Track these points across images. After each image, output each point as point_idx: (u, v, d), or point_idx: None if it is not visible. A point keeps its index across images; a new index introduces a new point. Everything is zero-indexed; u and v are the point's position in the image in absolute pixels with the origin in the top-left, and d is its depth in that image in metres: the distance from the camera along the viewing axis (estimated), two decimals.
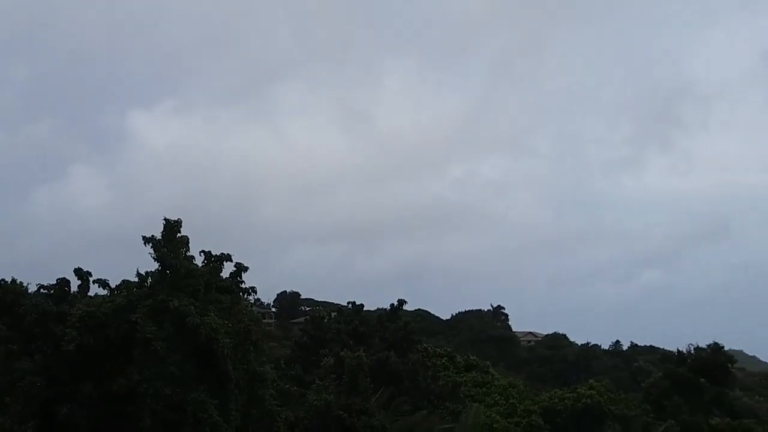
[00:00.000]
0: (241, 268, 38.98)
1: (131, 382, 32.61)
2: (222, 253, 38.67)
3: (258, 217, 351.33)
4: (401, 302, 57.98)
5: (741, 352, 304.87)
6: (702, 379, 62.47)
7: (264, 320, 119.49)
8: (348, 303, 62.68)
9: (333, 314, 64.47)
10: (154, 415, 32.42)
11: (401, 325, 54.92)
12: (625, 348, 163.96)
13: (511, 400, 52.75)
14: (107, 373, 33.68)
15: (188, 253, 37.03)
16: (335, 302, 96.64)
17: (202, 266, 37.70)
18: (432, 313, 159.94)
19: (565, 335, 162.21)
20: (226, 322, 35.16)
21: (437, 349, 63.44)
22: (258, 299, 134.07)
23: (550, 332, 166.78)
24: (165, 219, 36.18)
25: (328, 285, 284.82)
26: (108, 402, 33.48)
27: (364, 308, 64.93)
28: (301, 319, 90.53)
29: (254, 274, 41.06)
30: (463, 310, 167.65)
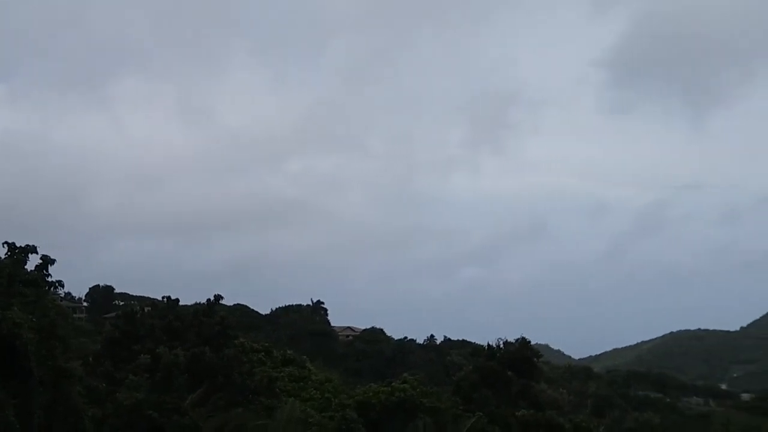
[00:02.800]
0: (47, 261, 37.35)
1: None
2: (27, 245, 36.88)
3: (88, 208, 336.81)
4: (218, 297, 57.10)
5: (547, 346, 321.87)
6: (510, 373, 65.04)
7: (75, 315, 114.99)
8: (163, 297, 61.10)
9: (147, 309, 62.69)
10: None
11: (217, 320, 54.03)
12: (439, 342, 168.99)
13: (326, 395, 53.16)
14: None
15: None
16: (154, 297, 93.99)
17: (4, 258, 35.83)
18: (251, 308, 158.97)
19: (382, 330, 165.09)
20: (30, 316, 33.57)
21: (254, 345, 62.93)
22: (69, 293, 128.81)
23: (369, 327, 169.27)
24: None
25: (157, 279, 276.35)
26: None
27: (188, 303, 63.64)
28: (114, 314, 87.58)
29: (76, 266, 39.56)
30: (283, 305, 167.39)
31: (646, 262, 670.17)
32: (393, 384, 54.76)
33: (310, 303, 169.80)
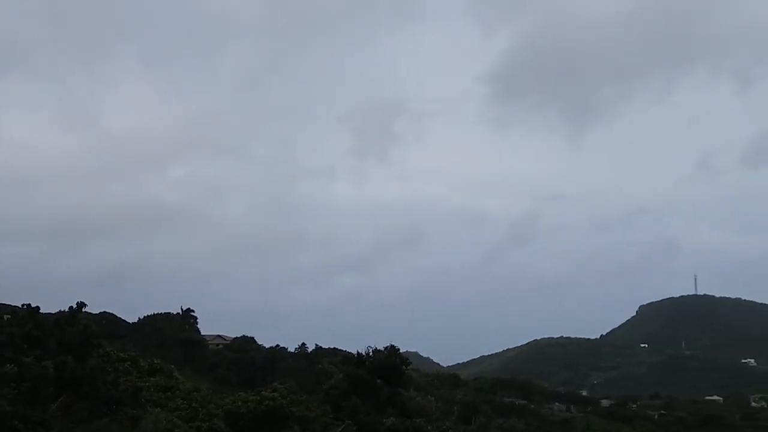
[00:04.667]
0: None
1: None
2: None
3: None
4: (81, 304, 55.24)
5: (417, 354, 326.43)
6: (379, 381, 65.57)
7: None
8: (23, 305, 58.72)
9: (6, 317, 60.16)
10: None
11: (80, 329, 52.37)
12: (310, 350, 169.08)
13: (194, 405, 52.32)
14: None
15: None
16: (15, 305, 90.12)
17: None
18: (118, 316, 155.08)
19: (253, 338, 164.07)
20: None
21: (120, 354, 61.38)
22: None
23: (239, 335, 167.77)
24: None
25: (24, 286, 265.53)
26: None
27: (54, 311, 61.39)
28: None
29: None
30: (151, 313, 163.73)
31: (516, 272, 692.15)
32: (262, 393, 54.41)
33: (180, 311, 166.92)
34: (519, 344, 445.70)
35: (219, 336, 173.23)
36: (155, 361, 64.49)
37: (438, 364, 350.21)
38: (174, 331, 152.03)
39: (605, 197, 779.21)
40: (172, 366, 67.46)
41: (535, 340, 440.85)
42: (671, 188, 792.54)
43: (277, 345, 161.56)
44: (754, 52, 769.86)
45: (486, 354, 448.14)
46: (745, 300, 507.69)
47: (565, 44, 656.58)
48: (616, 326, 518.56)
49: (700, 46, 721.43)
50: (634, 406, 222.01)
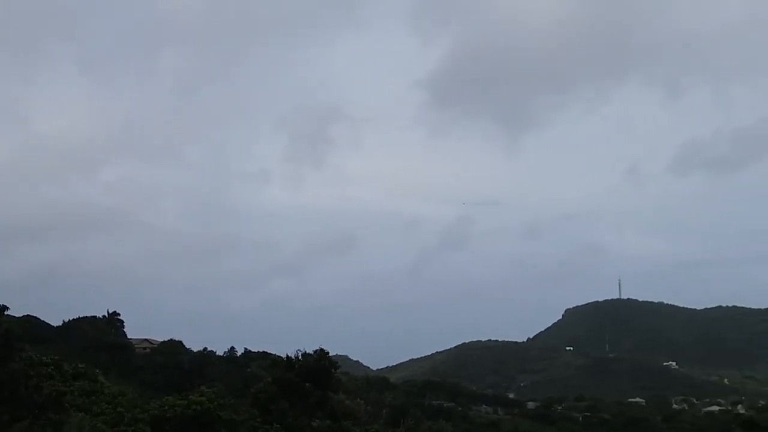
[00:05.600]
0: None
1: None
2: None
3: None
4: (2, 308, 54.20)
5: (347, 357, 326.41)
6: (308, 384, 65.53)
7: None
8: None
9: None
10: None
11: (1, 332, 51.24)
12: (239, 354, 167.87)
13: (119, 409, 51.54)
14: None
15: None
16: None
17: None
18: (42, 319, 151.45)
19: (181, 342, 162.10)
20: None
21: (43, 358, 60.12)
22: None
23: (167, 339, 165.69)
24: None
25: None
26: None
27: None
28: None
29: None
30: (76, 317, 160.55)
31: (447, 276, 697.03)
32: (190, 397, 53.93)
33: (106, 314, 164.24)
34: (448, 347, 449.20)
35: (146, 340, 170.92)
36: (79, 365, 63.32)
37: (368, 368, 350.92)
38: (99, 334, 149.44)
39: (537, 203, 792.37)
40: (97, 370, 66.31)
41: (464, 343, 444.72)
42: (600, 195, 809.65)
43: (206, 348, 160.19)
44: (683, 63, 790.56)
45: (416, 357, 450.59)
46: (667, 304, 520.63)
47: (502, 52, 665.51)
48: (543, 330, 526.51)
49: (634, 56, 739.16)
50: (560, 408, 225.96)
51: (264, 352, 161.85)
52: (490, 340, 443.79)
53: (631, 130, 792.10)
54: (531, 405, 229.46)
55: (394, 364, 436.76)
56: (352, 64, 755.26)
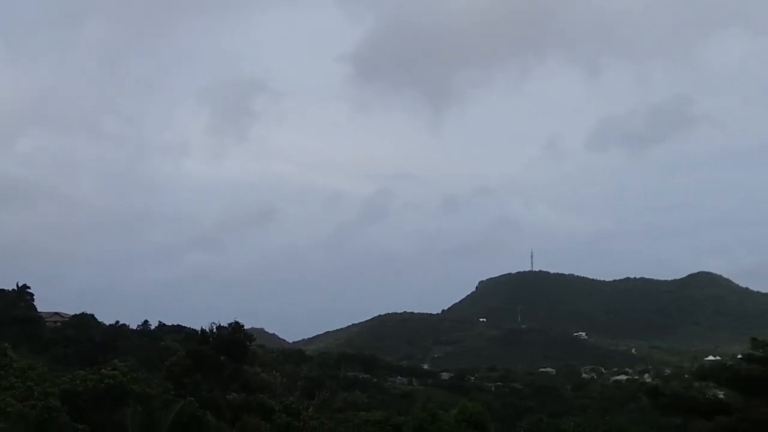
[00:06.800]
0: None
1: None
2: None
3: None
4: None
5: (263, 330, 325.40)
6: (222, 357, 65.68)
7: None
8: None
9: None
10: None
11: None
12: (153, 328, 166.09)
13: (28, 383, 50.91)
14: None
15: None
16: None
17: None
18: None
19: (93, 315, 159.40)
20: None
21: None
22: None
23: (79, 312, 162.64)
24: None
25: None
26: None
27: None
28: None
29: None
30: None
31: (365, 249, 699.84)
32: (102, 371, 53.60)
33: (15, 288, 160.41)
34: (364, 320, 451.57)
35: (57, 313, 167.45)
36: None
37: (284, 341, 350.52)
38: (8, 308, 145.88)
39: (457, 178, 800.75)
40: (6, 344, 65.21)
41: (380, 315, 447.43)
42: (518, 170, 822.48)
43: (118, 322, 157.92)
44: (603, 42, 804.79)
45: (331, 330, 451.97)
46: (577, 276, 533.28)
47: (427, 28, 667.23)
48: (457, 302, 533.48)
49: (555, 34, 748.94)
50: (473, 378, 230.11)
51: (178, 325, 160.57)
52: (405, 312, 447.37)
53: (551, 107, 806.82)
54: (445, 376, 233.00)
55: (310, 336, 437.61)
56: (277, 37, 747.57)
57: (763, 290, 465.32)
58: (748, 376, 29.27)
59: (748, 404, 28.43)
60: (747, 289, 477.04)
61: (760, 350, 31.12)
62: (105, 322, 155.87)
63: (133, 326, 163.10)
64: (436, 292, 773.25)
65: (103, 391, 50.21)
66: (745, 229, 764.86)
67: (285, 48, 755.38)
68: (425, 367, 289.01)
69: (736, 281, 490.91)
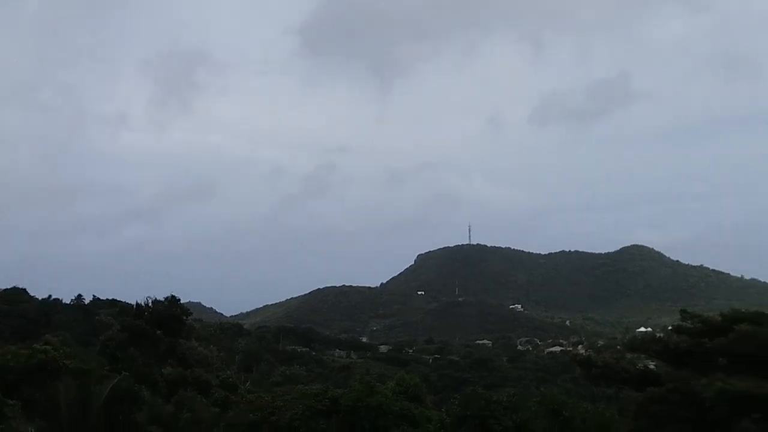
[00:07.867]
0: None
1: None
2: None
3: None
4: None
5: (200, 304, 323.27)
6: (158, 331, 64.99)
7: None
8: None
9: None
10: None
11: None
12: (87, 302, 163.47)
13: None
14: None
15: None
16: None
17: None
18: None
19: (25, 290, 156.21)
20: None
21: None
22: None
23: (10, 287, 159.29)
24: None
25: None
26: None
27: None
28: None
29: None
30: None
31: (306, 223, 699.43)
32: (34, 346, 52.63)
33: None
34: (303, 293, 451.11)
35: None
36: None
37: (221, 315, 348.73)
38: None
39: (400, 152, 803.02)
40: None
41: (318, 289, 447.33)
42: (460, 144, 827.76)
43: (51, 296, 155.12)
44: (548, 18, 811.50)
45: (270, 303, 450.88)
46: (514, 249, 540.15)
47: (375, 1, 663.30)
48: (396, 275, 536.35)
49: (501, 10, 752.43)
50: (411, 351, 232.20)
51: (113, 299, 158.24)
52: (344, 286, 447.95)
53: (496, 82, 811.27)
54: (383, 349, 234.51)
55: (249, 310, 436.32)
56: (222, 8, 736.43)
57: (694, 263, 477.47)
58: (677, 348, 29.94)
59: (678, 375, 29.11)
60: (678, 261, 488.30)
61: (689, 322, 31.83)
62: (37, 297, 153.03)
63: (67, 300, 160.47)
64: (375, 265, 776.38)
65: (35, 367, 49.28)
66: (678, 203, 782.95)
67: (230, 20, 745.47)
68: (364, 340, 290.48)
69: (668, 254, 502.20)
